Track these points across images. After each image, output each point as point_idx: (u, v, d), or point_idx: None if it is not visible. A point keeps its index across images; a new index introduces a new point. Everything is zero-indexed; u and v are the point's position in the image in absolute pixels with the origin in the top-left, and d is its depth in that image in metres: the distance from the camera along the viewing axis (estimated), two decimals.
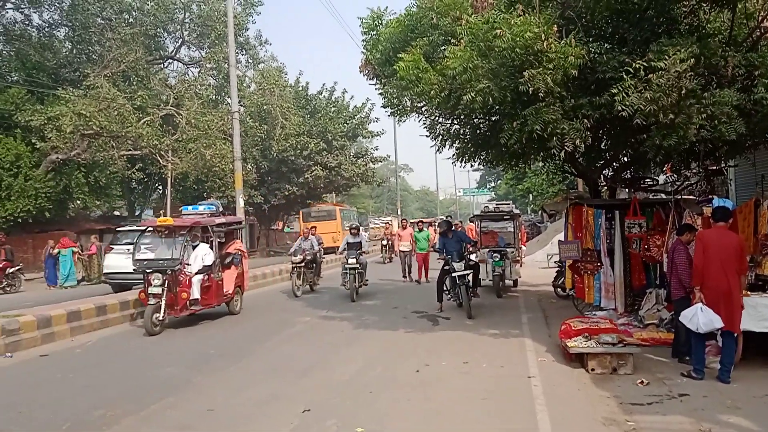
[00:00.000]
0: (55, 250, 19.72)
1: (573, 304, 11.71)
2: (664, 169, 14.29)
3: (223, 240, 12.85)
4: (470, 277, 12.20)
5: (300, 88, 36.42)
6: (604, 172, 12.74)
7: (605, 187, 13.22)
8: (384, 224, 36.89)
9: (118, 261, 15.13)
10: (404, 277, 18.50)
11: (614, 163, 12.33)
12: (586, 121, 8.41)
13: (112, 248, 16.20)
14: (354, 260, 14.41)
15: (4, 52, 27.82)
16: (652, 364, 7.53)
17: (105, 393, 6.90)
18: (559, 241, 12.01)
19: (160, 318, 10.41)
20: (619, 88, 7.67)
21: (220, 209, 13.39)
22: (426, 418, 5.85)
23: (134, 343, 9.93)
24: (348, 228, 16.48)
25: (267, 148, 32.69)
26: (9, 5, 26.76)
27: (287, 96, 30.95)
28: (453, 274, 11.79)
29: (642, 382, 6.70)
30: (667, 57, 7.41)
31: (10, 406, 6.52)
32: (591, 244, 10.81)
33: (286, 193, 35.06)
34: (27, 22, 28.14)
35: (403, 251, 18.61)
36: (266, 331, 10.76)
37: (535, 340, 9.18)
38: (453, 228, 13.37)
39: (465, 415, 5.89)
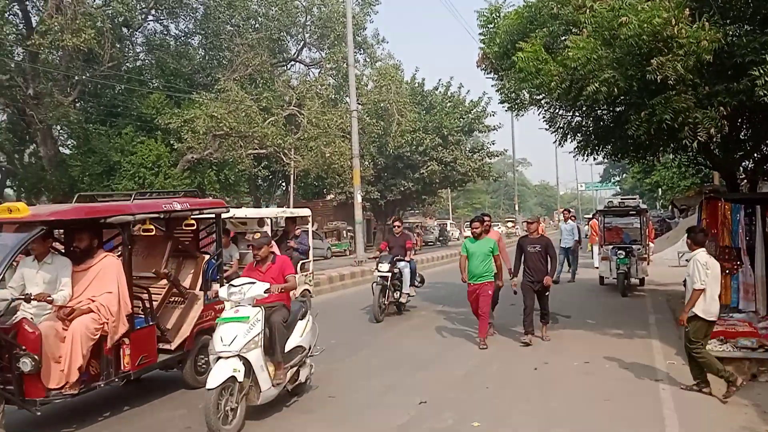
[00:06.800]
0: None
1: None
2: None
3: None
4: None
5: (416, 85, 36.68)
6: (743, 163, 11.80)
7: (745, 180, 12.22)
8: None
9: None
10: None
11: (755, 154, 11.37)
12: (722, 108, 7.83)
13: None
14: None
15: (146, 61, 30.31)
16: None
17: None
18: None
19: None
20: (761, 71, 7.06)
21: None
22: (544, 417, 5.74)
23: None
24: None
25: (383, 145, 33.22)
26: (150, 18, 29.11)
27: (403, 93, 31.25)
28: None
29: None
30: None
31: None
32: (729, 242, 10.03)
33: (402, 189, 35.50)
34: (165, 33, 30.51)
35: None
36: (382, 324, 10.96)
37: (663, 341, 8.70)
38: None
39: (586, 417, 5.71)
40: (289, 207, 31.71)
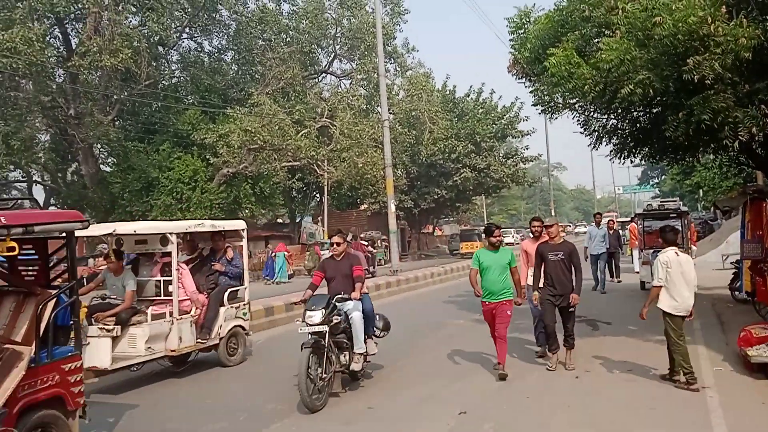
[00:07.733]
0: (273, 253, 23.47)
1: (754, 309, 10.60)
2: None
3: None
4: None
5: (447, 92, 36.64)
6: None
7: None
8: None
9: None
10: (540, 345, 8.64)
11: None
12: (763, 107, 7.63)
13: None
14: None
15: (182, 78, 30.98)
16: None
17: (277, 387, 7.42)
18: (742, 239, 10.94)
19: None
20: None
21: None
22: (587, 426, 5.62)
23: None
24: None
25: (416, 153, 33.28)
26: (185, 36, 29.78)
27: (435, 101, 31.25)
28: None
29: None
30: None
31: (197, 396, 7.25)
32: None
33: (436, 197, 35.41)
34: (199, 50, 31.17)
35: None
36: (419, 333, 10.93)
37: (709, 347, 8.46)
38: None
39: (630, 426, 5.58)
40: (323, 218, 32.02)
